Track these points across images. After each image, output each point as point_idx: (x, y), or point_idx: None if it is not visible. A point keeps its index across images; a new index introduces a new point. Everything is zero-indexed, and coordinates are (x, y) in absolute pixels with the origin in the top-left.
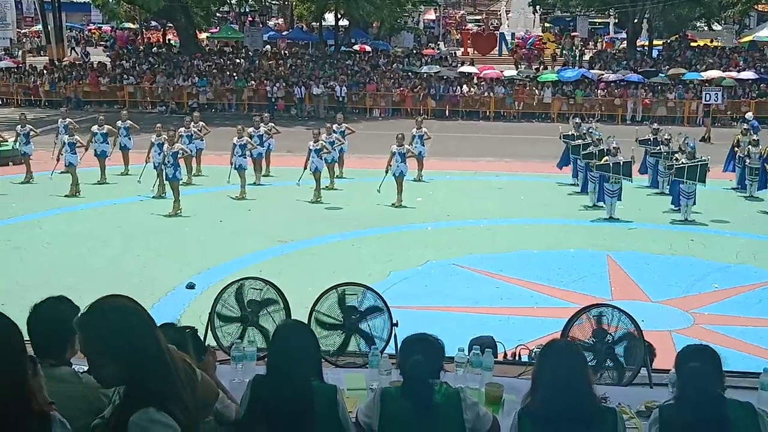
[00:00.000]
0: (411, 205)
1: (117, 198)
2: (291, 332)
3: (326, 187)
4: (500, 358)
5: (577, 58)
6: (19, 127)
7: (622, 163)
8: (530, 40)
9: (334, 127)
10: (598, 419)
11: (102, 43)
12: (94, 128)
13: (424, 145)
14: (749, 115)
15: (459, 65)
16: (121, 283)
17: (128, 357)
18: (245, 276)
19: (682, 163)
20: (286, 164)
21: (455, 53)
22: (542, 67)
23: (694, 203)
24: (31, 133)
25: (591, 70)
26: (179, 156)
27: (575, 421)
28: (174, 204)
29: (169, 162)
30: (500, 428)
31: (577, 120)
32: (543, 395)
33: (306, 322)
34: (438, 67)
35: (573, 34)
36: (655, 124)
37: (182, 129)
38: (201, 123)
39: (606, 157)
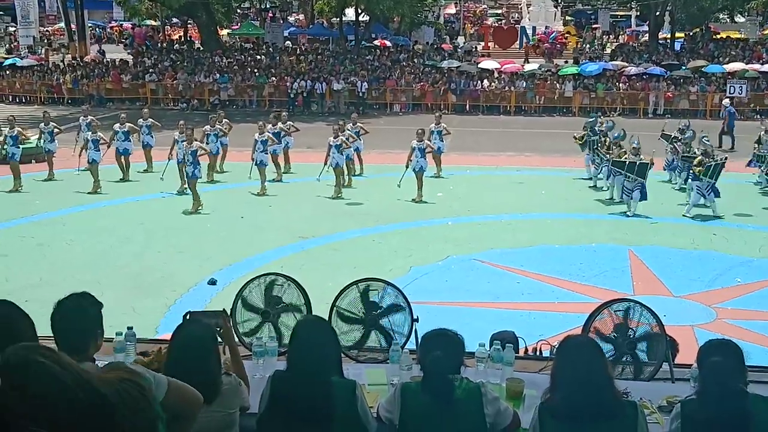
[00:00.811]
0: (431, 200)
1: (139, 195)
2: (311, 328)
3: (344, 184)
4: (521, 353)
5: (604, 49)
6: (42, 125)
7: (638, 164)
8: (552, 35)
9: (349, 126)
10: (618, 413)
11: (123, 40)
12: (116, 126)
13: (443, 141)
14: None
15: (475, 59)
16: (144, 279)
17: None
18: (275, 272)
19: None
20: (306, 160)
21: (475, 47)
22: (571, 61)
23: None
24: (55, 130)
25: (613, 62)
26: (198, 154)
27: (596, 415)
28: (194, 202)
29: (188, 160)
30: (521, 423)
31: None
32: (563, 391)
33: (327, 317)
34: (458, 61)
35: (594, 26)
36: (683, 123)
37: (207, 127)
38: (225, 120)
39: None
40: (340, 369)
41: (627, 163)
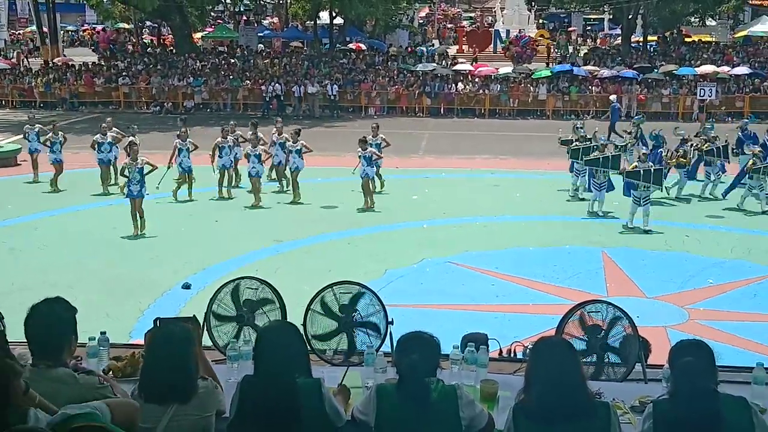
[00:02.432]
0: (407, 203)
1: (112, 200)
2: (273, 332)
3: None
4: (496, 355)
5: (578, 55)
6: (27, 126)
7: (611, 156)
8: (524, 39)
9: (369, 138)
10: (591, 414)
11: (93, 44)
12: (98, 137)
13: (371, 165)
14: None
15: (446, 62)
16: (117, 284)
17: None
18: (241, 275)
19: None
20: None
21: (446, 52)
22: (546, 64)
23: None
24: (40, 132)
25: (584, 67)
26: (145, 172)
27: (569, 416)
28: (139, 222)
29: (134, 179)
30: (495, 425)
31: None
32: (537, 392)
33: (302, 320)
34: (433, 64)
35: (570, 29)
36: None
37: (219, 139)
38: (238, 132)
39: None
40: (308, 370)
41: (600, 158)
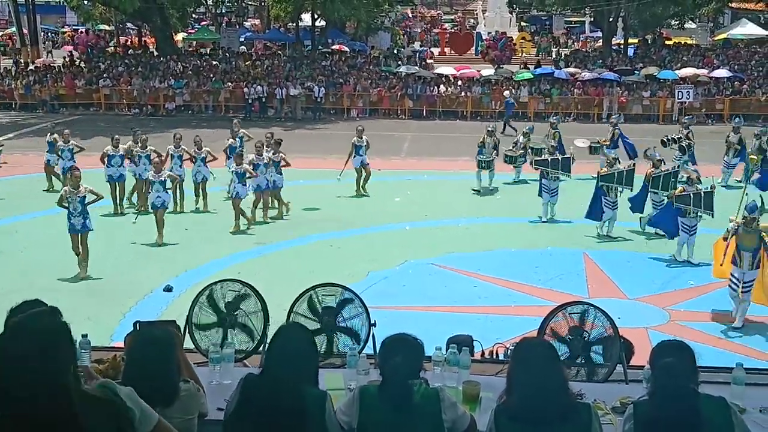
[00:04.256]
0: (389, 205)
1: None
2: (292, 334)
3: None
4: (478, 356)
5: (561, 57)
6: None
7: (561, 159)
8: (501, 41)
9: (356, 140)
10: (572, 415)
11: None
12: (109, 149)
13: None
14: None
15: (421, 64)
16: (99, 287)
17: None
18: (219, 279)
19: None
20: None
21: (418, 53)
22: (525, 65)
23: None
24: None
25: (566, 69)
26: (87, 202)
27: (551, 417)
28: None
29: (75, 210)
30: (477, 426)
31: None
32: (518, 393)
33: (285, 322)
34: (416, 67)
35: (556, 32)
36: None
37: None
38: (243, 131)
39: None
40: (315, 380)
41: (549, 160)
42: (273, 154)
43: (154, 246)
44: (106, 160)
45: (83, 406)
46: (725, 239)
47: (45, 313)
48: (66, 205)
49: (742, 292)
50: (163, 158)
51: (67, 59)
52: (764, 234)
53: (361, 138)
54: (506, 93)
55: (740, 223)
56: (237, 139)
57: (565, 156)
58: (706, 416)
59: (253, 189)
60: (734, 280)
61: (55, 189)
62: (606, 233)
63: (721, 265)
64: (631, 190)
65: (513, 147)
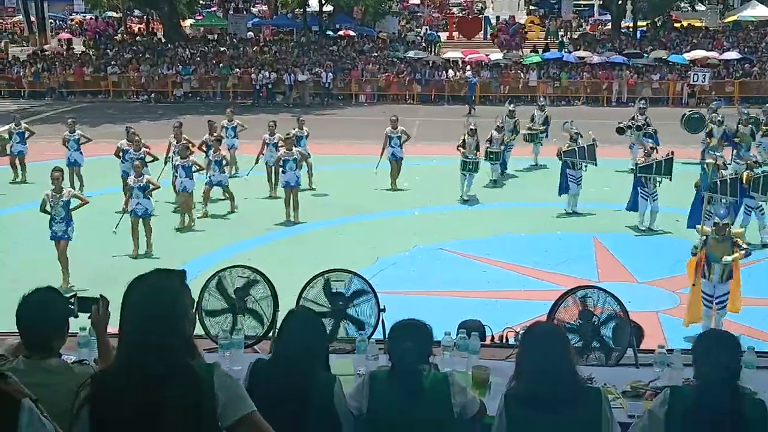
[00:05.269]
0: (398, 190)
1: (104, 188)
2: (301, 320)
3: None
4: (487, 341)
5: (568, 42)
6: (13, 125)
7: (586, 147)
8: (513, 26)
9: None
10: (582, 399)
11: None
12: (123, 144)
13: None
14: None
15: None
16: (107, 274)
17: None
18: (228, 266)
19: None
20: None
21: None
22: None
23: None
24: (26, 132)
25: (575, 53)
26: (71, 207)
27: (560, 402)
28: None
29: (58, 216)
30: (486, 411)
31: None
32: (527, 378)
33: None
34: (424, 52)
35: (566, 16)
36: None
37: (225, 121)
38: (237, 121)
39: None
40: (326, 364)
41: (576, 149)
42: (214, 152)
43: (158, 232)
44: (121, 155)
45: (178, 372)
46: (695, 254)
47: (176, 274)
48: (48, 210)
49: (716, 309)
50: (147, 162)
51: (64, 46)
52: (737, 240)
53: (396, 128)
54: (468, 73)
55: (709, 231)
56: (230, 128)
57: (589, 144)
58: (746, 413)
59: (282, 185)
60: (706, 296)
61: (26, 181)
62: (648, 227)
63: (693, 285)
64: (670, 180)
65: (531, 124)
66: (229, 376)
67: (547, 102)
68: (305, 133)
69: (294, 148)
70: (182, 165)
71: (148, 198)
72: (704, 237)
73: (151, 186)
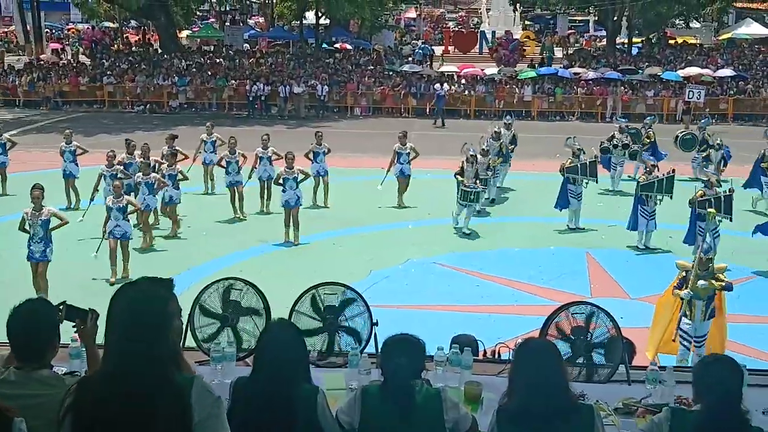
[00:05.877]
0: (391, 203)
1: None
2: (277, 331)
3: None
4: (480, 356)
5: (560, 57)
6: None
7: (588, 164)
8: (512, 44)
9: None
10: (575, 416)
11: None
12: (124, 157)
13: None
14: None
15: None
16: (97, 285)
17: None
18: (220, 278)
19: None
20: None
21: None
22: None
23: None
24: (8, 144)
25: (570, 69)
26: (51, 227)
27: (553, 418)
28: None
29: (36, 236)
30: (478, 427)
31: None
32: (520, 394)
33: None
34: (419, 66)
35: (561, 32)
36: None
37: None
38: (216, 135)
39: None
40: (308, 375)
41: (578, 165)
42: (168, 166)
43: (146, 252)
44: (122, 168)
45: (162, 382)
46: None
47: (163, 282)
48: (27, 229)
49: (695, 347)
50: (123, 182)
51: (62, 56)
52: (719, 275)
53: (404, 144)
54: (437, 85)
55: (689, 266)
56: (209, 143)
57: (591, 160)
58: None
59: (282, 205)
60: (684, 335)
61: (6, 193)
62: (644, 245)
63: (673, 340)
64: (671, 198)
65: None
66: (208, 391)
67: (513, 119)
68: (324, 149)
69: (295, 167)
70: (145, 182)
71: (128, 220)
72: (684, 273)
73: (131, 208)
